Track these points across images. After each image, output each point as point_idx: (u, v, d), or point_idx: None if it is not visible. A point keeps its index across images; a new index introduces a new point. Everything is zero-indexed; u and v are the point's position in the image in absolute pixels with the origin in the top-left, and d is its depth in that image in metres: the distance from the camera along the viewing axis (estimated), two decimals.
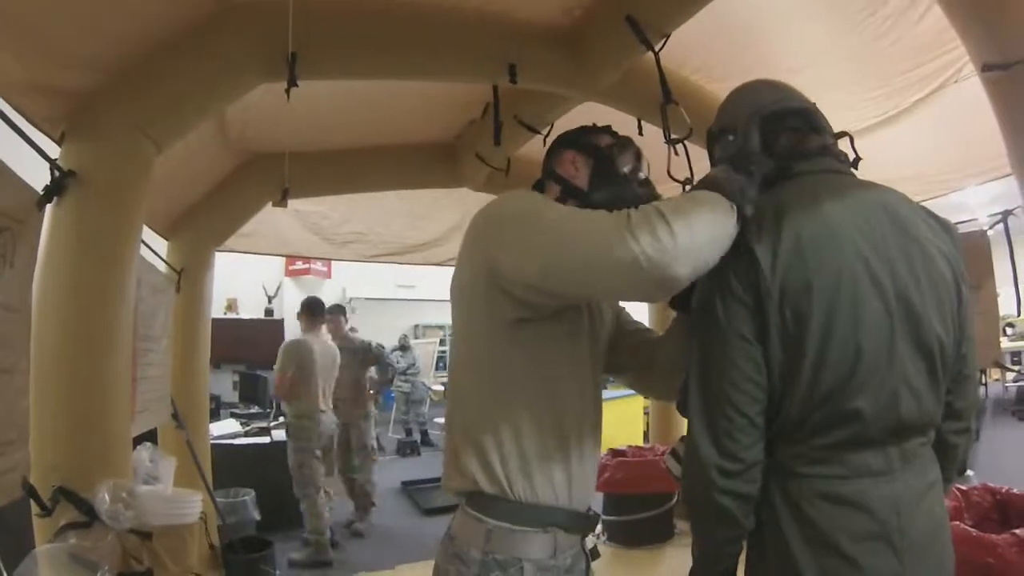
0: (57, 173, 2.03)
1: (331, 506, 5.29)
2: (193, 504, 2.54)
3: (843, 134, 1.48)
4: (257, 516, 4.89)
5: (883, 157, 3.55)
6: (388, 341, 11.53)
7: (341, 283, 9.41)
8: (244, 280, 7.40)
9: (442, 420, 10.34)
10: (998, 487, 2.86)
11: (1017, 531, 2.28)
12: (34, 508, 1.88)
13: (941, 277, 1.29)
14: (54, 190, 2.00)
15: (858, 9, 2.75)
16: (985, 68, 2.27)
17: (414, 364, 10.96)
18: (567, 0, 2.56)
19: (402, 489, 7.34)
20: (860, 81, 3.37)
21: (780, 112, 1.41)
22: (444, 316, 14.63)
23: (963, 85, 3.13)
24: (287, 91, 2.28)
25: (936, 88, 3.35)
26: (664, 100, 2.35)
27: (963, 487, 2.87)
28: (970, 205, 11.83)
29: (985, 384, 9.76)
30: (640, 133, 2.84)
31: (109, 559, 1.90)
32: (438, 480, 6.01)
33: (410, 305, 12.10)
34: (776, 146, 1.39)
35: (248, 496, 4.92)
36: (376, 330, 11.58)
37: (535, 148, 3.33)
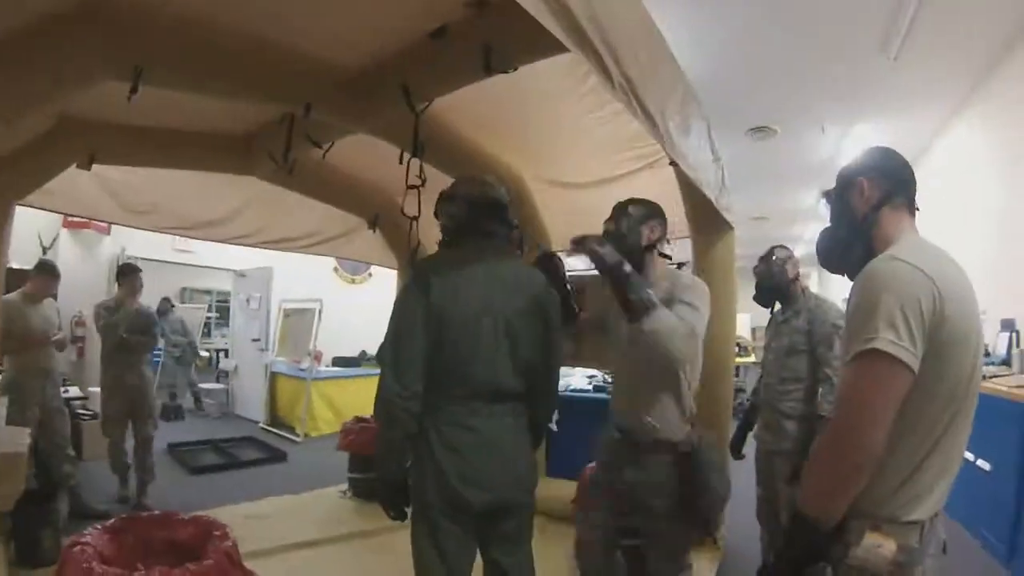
0: None
1: None
2: None
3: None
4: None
5: (605, 208, 4.53)
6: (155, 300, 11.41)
7: (120, 241, 9.14)
8: (18, 228, 7.04)
9: (207, 386, 10.35)
10: None
11: None
12: None
13: (531, 316, 2.35)
14: None
15: (583, 106, 3.69)
16: (673, 163, 3.25)
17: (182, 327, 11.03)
18: (360, 59, 3.25)
19: (168, 451, 7.48)
20: (588, 149, 4.34)
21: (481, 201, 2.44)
22: (210, 281, 14.37)
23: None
24: (128, 96, 2.83)
25: (643, 166, 4.36)
26: (412, 154, 3.20)
27: None
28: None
29: None
30: (400, 162, 3.47)
31: None
32: (205, 442, 6.37)
33: (184, 270, 11.87)
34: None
35: None
36: (148, 292, 11.39)
37: (316, 151, 4.14)
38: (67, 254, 8.48)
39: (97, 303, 5.72)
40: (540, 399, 2.45)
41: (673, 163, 3.22)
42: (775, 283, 3.73)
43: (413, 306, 2.21)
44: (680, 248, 3.58)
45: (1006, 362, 5.55)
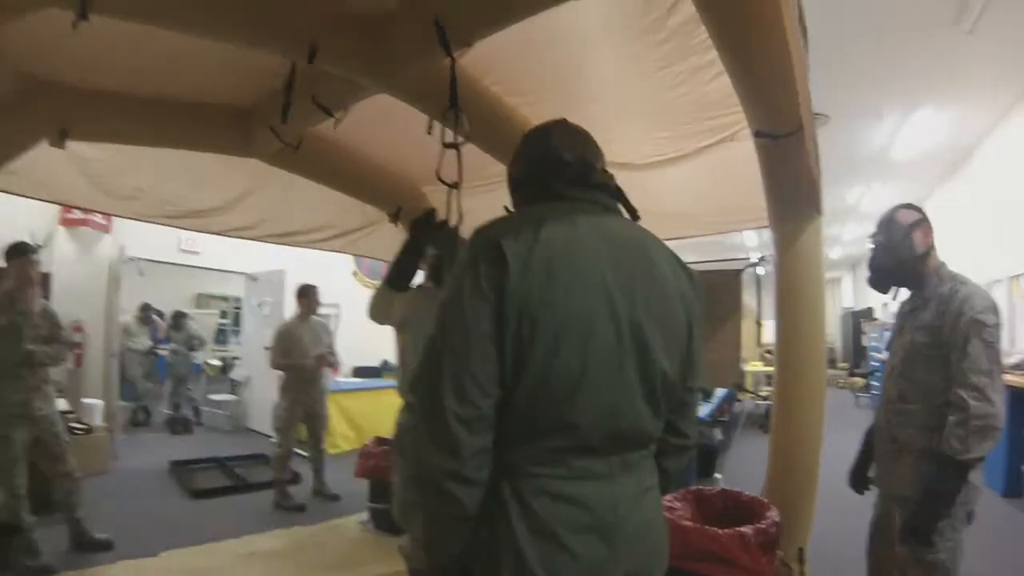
0: None
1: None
2: None
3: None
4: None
5: (664, 192, 3.88)
6: (168, 307, 10.87)
7: (120, 240, 8.31)
8: (7, 225, 6.17)
9: (217, 397, 9.88)
10: (732, 490, 3.33)
11: (740, 528, 2.73)
12: None
13: (674, 316, 1.48)
14: None
15: (653, 59, 2.90)
16: (757, 135, 2.60)
17: (191, 337, 10.31)
18: None
19: (170, 469, 6.91)
20: (649, 121, 3.58)
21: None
22: (226, 287, 13.78)
23: (743, 142, 3.29)
24: (74, 23, 2.12)
25: (716, 142, 3.60)
26: (450, 105, 2.40)
27: (705, 489, 3.36)
28: (747, 246, 13.36)
29: (740, 400, 11.01)
30: (428, 132, 2.80)
31: None
32: (211, 460, 5.54)
33: (195, 274, 11.28)
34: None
35: None
36: (157, 295, 10.81)
37: (330, 127, 3.36)
38: (63, 254, 7.83)
39: None
40: (672, 441, 1.59)
41: (760, 134, 2.60)
42: (897, 258, 2.68)
43: (472, 298, 1.31)
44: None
45: None
